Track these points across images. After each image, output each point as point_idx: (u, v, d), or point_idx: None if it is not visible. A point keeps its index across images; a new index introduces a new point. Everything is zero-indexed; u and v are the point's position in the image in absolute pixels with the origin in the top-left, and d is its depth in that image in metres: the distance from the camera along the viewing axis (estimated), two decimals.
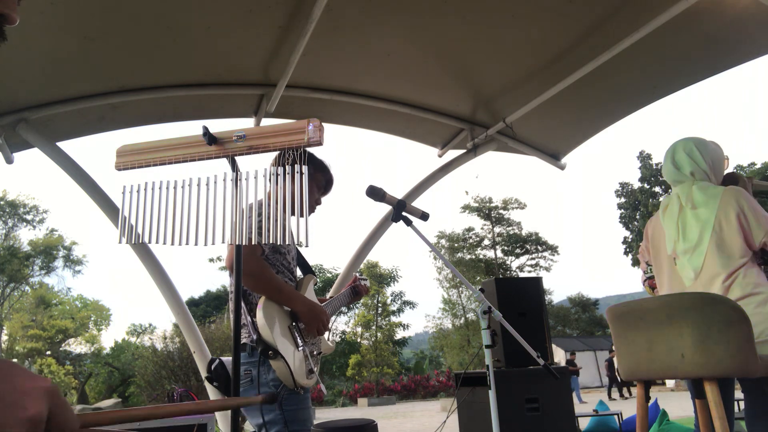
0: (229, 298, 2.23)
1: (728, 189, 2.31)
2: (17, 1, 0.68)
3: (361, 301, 31.77)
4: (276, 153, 1.67)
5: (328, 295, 2.71)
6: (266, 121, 4.77)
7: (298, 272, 2.39)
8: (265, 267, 2.07)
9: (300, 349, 2.08)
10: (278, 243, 1.54)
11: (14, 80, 4.01)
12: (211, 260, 33.25)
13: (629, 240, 33.94)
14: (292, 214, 1.51)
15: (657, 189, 33.52)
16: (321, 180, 2.38)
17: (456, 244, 34.86)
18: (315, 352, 2.20)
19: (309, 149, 2.29)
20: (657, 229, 2.54)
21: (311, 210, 2.37)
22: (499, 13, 3.73)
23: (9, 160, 4.63)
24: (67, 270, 33.84)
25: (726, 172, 2.58)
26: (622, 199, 35.26)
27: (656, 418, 5.52)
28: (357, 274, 2.76)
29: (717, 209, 2.27)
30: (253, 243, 1.95)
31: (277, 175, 1.53)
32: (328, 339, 2.41)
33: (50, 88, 4.20)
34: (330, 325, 2.29)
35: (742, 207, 2.23)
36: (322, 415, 16.96)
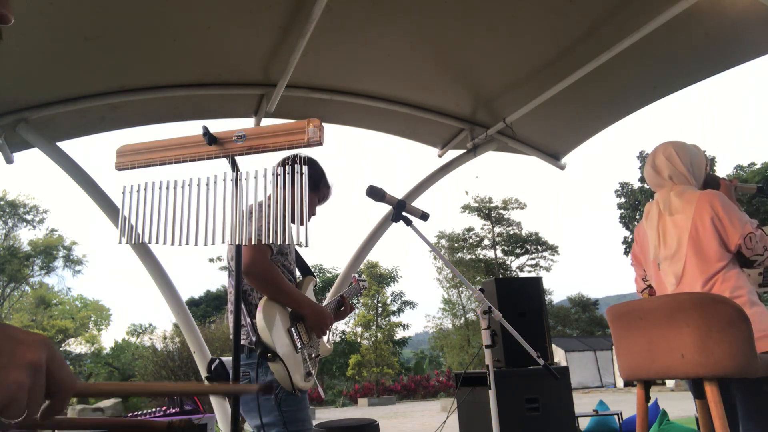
0: (228, 299, 2.23)
1: (704, 194, 2.32)
2: None
3: (361, 301, 31.77)
4: (281, 156, 1.67)
5: (327, 295, 2.71)
6: (266, 121, 4.77)
7: (297, 273, 2.41)
8: (276, 270, 2.08)
9: (299, 351, 2.08)
10: (279, 243, 1.54)
11: (14, 80, 4.01)
12: (211, 260, 33.21)
13: (629, 240, 33.92)
14: (292, 216, 1.51)
15: None
16: (322, 193, 2.42)
17: (456, 244, 34.83)
18: (313, 355, 2.20)
19: (322, 166, 2.35)
20: (643, 235, 2.57)
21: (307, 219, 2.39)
22: (499, 13, 3.73)
23: (9, 160, 4.63)
24: (67, 270, 33.82)
25: (708, 174, 2.59)
26: (622, 199, 35.24)
27: (656, 418, 5.52)
28: (356, 276, 2.76)
29: (693, 214, 2.28)
30: (253, 242, 1.96)
31: (277, 175, 1.53)
32: (327, 341, 2.42)
33: (50, 88, 4.20)
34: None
35: (717, 211, 2.24)
36: (322, 415, 16.95)
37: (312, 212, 2.41)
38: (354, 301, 2.82)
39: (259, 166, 1.56)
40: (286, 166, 1.54)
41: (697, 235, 2.26)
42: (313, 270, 2.51)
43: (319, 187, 2.38)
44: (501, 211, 35.63)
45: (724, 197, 2.29)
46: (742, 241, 2.18)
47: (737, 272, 2.24)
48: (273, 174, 1.55)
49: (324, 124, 1.60)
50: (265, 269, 2.03)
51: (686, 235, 2.29)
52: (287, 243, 1.58)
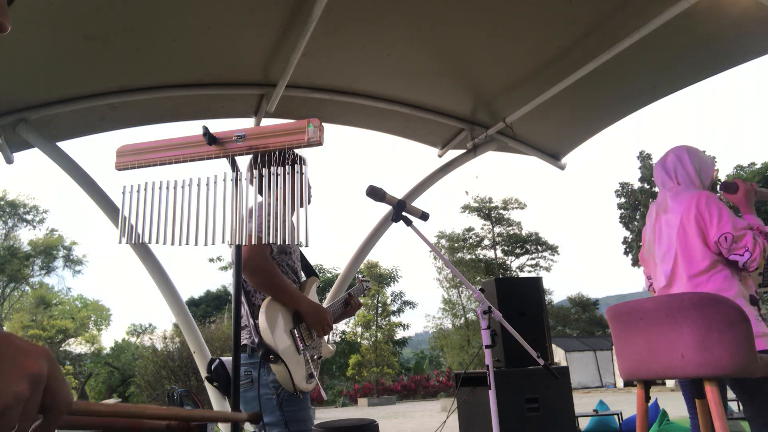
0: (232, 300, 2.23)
1: (694, 193, 2.37)
2: (9, 4, 0.67)
3: (362, 301, 31.70)
4: (258, 155, 1.66)
5: (327, 296, 2.71)
6: (266, 121, 4.77)
7: (302, 274, 2.40)
8: (273, 267, 2.07)
9: (301, 353, 2.08)
10: (279, 242, 1.54)
11: (14, 80, 4.01)
12: (211, 260, 33.22)
13: (629, 240, 33.90)
14: (292, 206, 1.52)
15: (657, 189, 33.43)
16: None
17: (456, 244, 34.79)
18: (315, 356, 2.19)
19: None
20: (644, 235, 2.66)
21: (309, 200, 2.39)
22: (500, 13, 3.73)
23: (9, 160, 4.63)
24: (67, 270, 33.78)
25: (721, 179, 2.61)
26: (622, 199, 35.24)
27: (656, 418, 5.52)
28: (360, 276, 2.76)
29: (681, 213, 2.35)
30: (253, 241, 1.96)
31: (277, 175, 1.54)
32: (329, 342, 2.41)
33: (50, 88, 4.20)
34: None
35: (701, 210, 2.30)
36: (322, 415, 16.94)
37: (309, 196, 2.38)
38: None
39: (259, 167, 1.56)
40: (286, 166, 1.53)
41: (684, 234, 2.33)
42: (316, 272, 2.51)
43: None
44: (501, 211, 35.61)
45: (713, 197, 2.33)
46: (717, 238, 2.23)
47: (726, 275, 2.27)
48: (256, 177, 1.55)
49: (324, 124, 1.60)
50: (262, 265, 2.02)
51: (675, 233, 2.35)
52: (287, 243, 1.57)
